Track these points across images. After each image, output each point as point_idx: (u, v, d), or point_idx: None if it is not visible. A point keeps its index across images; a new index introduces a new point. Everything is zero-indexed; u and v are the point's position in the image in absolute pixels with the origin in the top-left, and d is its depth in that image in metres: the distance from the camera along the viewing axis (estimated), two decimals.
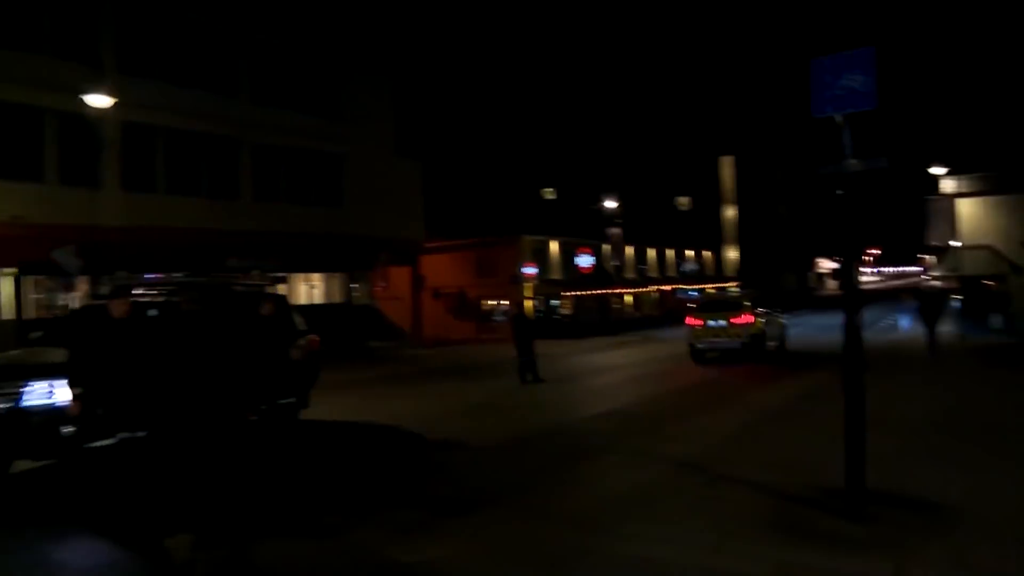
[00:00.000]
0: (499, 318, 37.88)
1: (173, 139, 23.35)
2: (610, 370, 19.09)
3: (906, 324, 28.05)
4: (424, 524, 6.06)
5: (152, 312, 8.20)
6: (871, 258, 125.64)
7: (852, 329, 5.75)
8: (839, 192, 5.69)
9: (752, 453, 8.38)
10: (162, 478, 6.66)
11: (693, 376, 16.98)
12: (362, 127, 28.99)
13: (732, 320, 18.45)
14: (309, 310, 25.39)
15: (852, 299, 5.77)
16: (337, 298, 28.67)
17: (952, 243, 24.32)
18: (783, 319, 21.84)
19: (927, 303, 19.66)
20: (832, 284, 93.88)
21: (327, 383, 14.57)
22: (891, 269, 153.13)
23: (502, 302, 37.42)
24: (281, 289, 24.36)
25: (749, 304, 18.96)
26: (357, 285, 28.94)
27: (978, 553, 4.99)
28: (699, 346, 19.00)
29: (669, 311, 47.13)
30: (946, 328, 22.14)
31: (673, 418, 11.07)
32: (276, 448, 8.82)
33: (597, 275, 39.93)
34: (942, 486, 6.62)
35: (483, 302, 38.55)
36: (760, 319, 18.85)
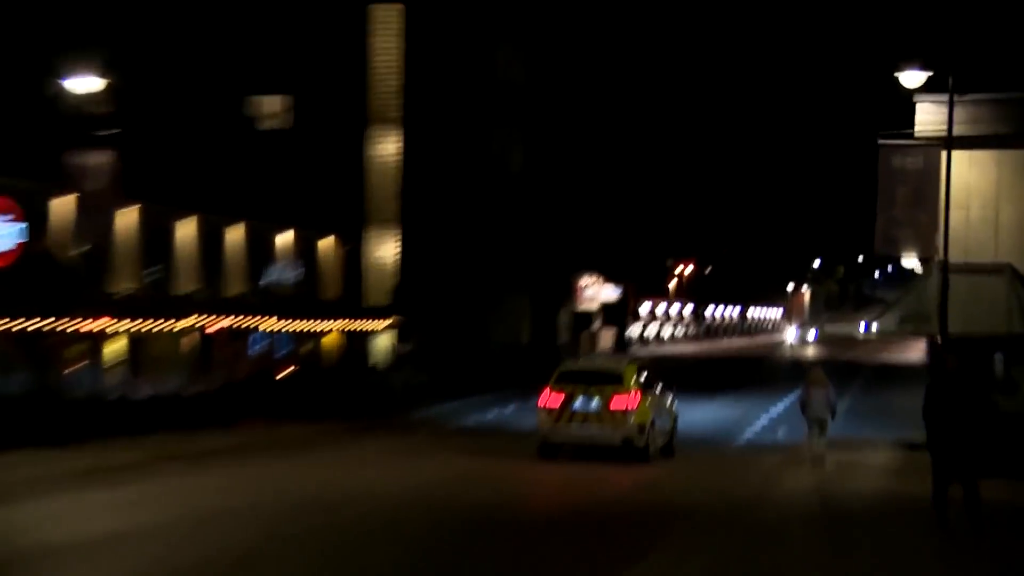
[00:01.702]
0: None
1: None
2: (106, 553, 10.24)
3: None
4: None
5: None
6: (677, 281, 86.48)
7: None
8: None
9: None
10: None
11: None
12: None
13: (612, 402, 17.52)
14: None
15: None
16: None
17: (917, 257, 17.42)
18: (673, 401, 20.81)
19: (942, 399, 11.85)
20: (608, 335, 62.94)
21: None
22: (728, 312, 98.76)
23: None
24: None
25: (635, 378, 18.42)
26: None
27: None
28: (554, 440, 18.29)
29: (229, 384, 27.81)
30: None
31: None
32: None
33: (32, 275, 24.65)
34: None
35: None
36: (649, 401, 18.27)
